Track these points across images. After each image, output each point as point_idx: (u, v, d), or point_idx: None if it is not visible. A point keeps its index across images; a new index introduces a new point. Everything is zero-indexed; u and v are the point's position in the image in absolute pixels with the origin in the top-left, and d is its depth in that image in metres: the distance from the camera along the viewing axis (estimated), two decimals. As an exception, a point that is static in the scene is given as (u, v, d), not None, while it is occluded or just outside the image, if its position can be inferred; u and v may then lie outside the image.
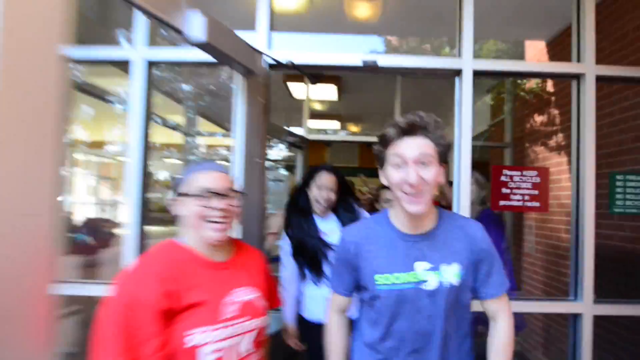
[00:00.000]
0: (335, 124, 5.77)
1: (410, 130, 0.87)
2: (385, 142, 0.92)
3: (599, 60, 1.69)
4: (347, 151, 6.27)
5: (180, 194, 0.91)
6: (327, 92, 4.02)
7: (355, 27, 2.55)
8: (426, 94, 3.61)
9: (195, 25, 1.03)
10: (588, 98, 1.64)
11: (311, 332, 1.60)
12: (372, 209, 2.64)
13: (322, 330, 1.13)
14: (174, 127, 3.11)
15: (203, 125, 3.47)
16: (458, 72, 1.63)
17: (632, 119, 2.10)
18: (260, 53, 1.50)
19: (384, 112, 4.25)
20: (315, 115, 5.06)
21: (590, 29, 1.68)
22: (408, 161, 0.86)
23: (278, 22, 1.69)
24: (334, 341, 1.09)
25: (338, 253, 1.06)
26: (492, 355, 0.98)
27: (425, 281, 0.92)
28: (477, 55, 1.64)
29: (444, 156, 0.91)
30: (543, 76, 2.42)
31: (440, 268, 0.93)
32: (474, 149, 1.60)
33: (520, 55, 3.32)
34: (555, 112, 2.85)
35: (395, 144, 0.89)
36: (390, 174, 0.90)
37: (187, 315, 0.83)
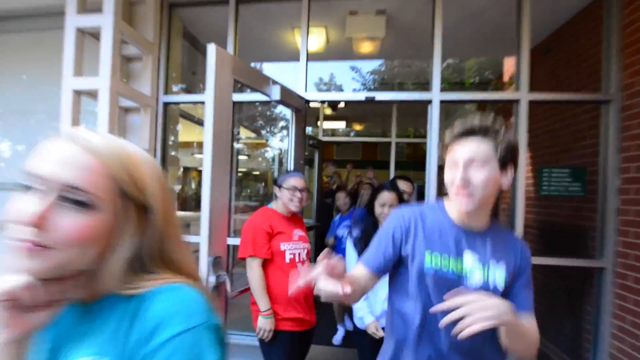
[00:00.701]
0: (342, 124, 6.57)
1: (465, 133, 0.88)
2: (444, 147, 0.94)
3: (538, 88, 2.42)
4: (353, 147, 7.13)
5: (281, 186, 1.75)
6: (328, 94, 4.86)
7: (360, 58, 3.35)
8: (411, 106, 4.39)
9: (275, 91, 1.86)
10: (521, 116, 2.36)
11: (362, 338, 1.74)
12: (354, 198, 3.32)
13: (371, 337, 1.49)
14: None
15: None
16: (430, 101, 2.42)
17: (565, 127, 2.87)
18: (302, 98, 2.33)
19: (383, 113, 5.09)
20: (327, 117, 5.88)
21: (525, 64, 2.38)
22: (459, 163, 0.86)
23: (312, 56, 2.55)
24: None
25: (389, 225, 1.00)
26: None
27: (469, 276, 0.91)
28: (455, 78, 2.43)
29: (505, 159, 0.86)
30: (490, 102, 3.18)
31: (490, 264, 0.91)
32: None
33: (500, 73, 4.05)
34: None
35: (451, 147, 0.90)
36: (446, 174, 0.91)
37: (278, 236, 1.70)
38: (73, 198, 0.44)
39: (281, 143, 5.16)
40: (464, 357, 0.91)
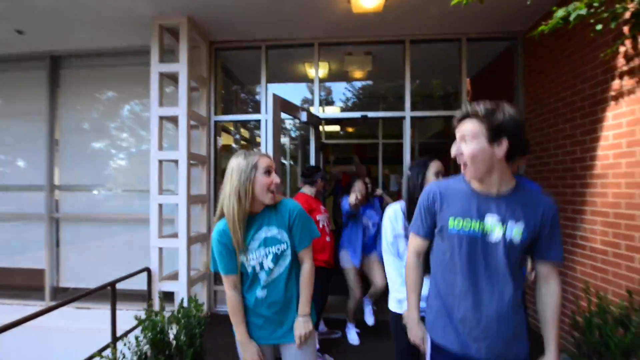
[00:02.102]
0: (336, 127, 7.60)
1: (461, 117, 1.04)
2: (453, 128, 1.08)
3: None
4: (347, 147, 8.18)
5: (314, 180, 2.74)
6: (334, 110, 5.85)
7: (353, 81, 4.40)
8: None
9: (303, 115, 2.87)
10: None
11: (399, 323, 1.52)
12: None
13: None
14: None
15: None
16: (404, 117, 3.48)
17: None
18: (319, 117, 3.34)
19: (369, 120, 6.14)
20: (327, 122, 6.90)
21: (464, 88, 3.49)
22: (457, 138, 1.06)
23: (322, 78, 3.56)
24: (413, 278, 1.22)
25: (422, 201, 1.18)
26: (548, 313, 1.07)
27: (491, 233, 1.02)
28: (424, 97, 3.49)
29: (495, 135, 0.97)
30: (444, 116, 4.21)
31: (508, 223, 1.02)
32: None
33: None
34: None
35: (456, 126, 1.07)
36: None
37: (316, 211, 2.66)
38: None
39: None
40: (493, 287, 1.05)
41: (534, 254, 1.08)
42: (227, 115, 3.81)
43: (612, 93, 2.25)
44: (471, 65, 3.56)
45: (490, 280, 1.04)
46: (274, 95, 2.59)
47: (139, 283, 2.98)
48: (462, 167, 1.06)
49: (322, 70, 3.74)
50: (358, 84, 4.86)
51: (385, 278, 2.04)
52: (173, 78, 3.39)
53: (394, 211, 1.66)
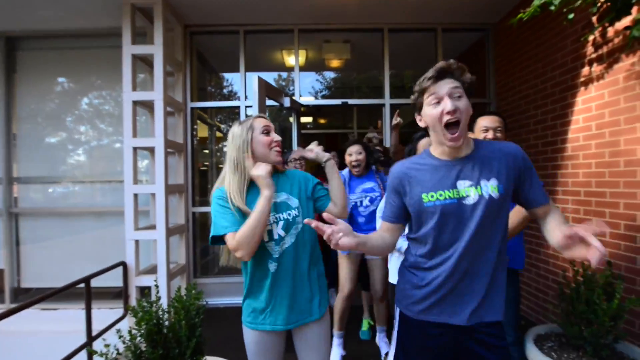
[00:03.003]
0: (309, 119, 7.53)
1: (439, 75, 0.98)
2: (421, 90, 1.02)
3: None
4: (319, 137, 8.16)
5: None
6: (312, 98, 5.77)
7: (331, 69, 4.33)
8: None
9: (287, 101, 2.77)
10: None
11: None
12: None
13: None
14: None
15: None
16: (383, 105, 3.47)
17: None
18: (301, 104, 3.24)
19: (343, 110, 6.12)
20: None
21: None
22: (443, 96, 0.97)
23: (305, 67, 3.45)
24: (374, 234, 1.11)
25: (389, 184, 1.13)
26: (554, 227, 0.98)
27: (467, 196, 0.98)
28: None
29: (470, 92, 1.00)
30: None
31: (481, 183, 0.98)
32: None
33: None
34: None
35: (429, 89, 0.99)
36: (430, 112, 1.00)
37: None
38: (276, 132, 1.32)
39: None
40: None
41: (523, 205, 1.05)
42: (204, 101, 3.59)
43: (582, 79, 2.36)
44: (446, 55, 3.60)
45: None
46: (259, 79, 2.47)
47: (111, 279, 2.75)
48: (447, 132, 0.97)
49: (301, 57, 3.63)
50: (335, 73, 4.79)
51: (384, 282, 2.11)
52: (147, 62, 3.14)
53: None
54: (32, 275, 3.50)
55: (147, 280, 2.80)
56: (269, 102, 2.79)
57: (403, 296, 1.11)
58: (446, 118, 0.96)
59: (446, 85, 0.97)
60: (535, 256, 2.84)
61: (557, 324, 1.90)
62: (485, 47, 3.55)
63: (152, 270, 2.97)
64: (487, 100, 3.51)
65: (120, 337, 1.28)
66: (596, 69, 2.26)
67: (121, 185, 3.35)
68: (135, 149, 2.85)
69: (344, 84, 5.07)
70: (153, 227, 2.92)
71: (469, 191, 0.98)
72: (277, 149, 1.21)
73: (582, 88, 2.36)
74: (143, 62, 3.11)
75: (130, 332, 1.30)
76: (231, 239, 1.09)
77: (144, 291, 2.96)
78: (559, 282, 2.18)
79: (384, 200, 1.26)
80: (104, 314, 2.95)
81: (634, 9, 1.70)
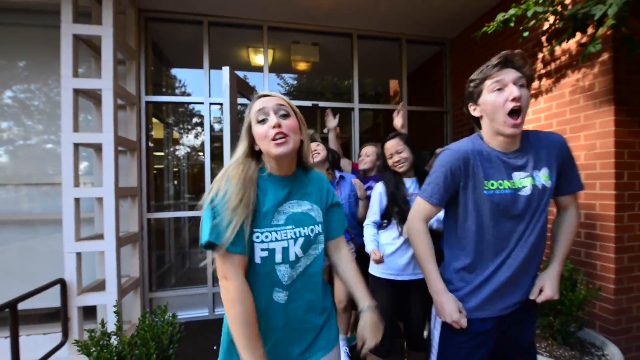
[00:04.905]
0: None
1: (505, 63, 0.96)
2: (484, 77, 0.98)
3: (412, 102, 3.65)
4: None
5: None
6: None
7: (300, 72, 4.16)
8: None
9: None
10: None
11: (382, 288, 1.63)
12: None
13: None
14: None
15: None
16: (352, 109, 3.42)
17: (425, 126, 4.24)
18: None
19: (315, 111, 5.99)
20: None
21: (405, 85, 3.61)
22: (508, 84, 0.94)
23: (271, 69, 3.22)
24: (426, 242, 1.07)
25: (446, 163, 1.03)
26: (562, 235, 1.05)
27: (523, 187, 0.98)
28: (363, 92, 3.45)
29: (529, 84, 0.99)
30: (384, 110, 4.38)
31: (534, 174, 0.99)
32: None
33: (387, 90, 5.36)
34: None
35: (493, 75, 0.97)
36: (492, 99, 0.97)
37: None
38: (283, 112, 0.89)
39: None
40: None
41: (558, 190, 1.06)
42: (161, 95, 3.15)
43: (532, 92, 2.55)
44: (408, 65, 3.70)
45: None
46: (230, 70, 2.21)
47: (44, 300, 2.22)
48: (509, 119, 0.95)
49: (269, 57, 3.42)
50: (302, 76, 4.64)
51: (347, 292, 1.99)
52: (92, 46, 2.64)
53: (378, 193, 1.75)
54: None
55: (92, 299, 2.32)
56: (239, 100, 2.53)
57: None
58: (511, 105, 0.94)
59: (511, 73, 0.96)
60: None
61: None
62: (443, 60, 3.71)
63: (98, 286, 2.48)
64: (444, 109, 3.66)
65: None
66: (545, 83, 2.46)
67: (53, 189, 2.78)
68: (76, 145, 2.35)
69: (306, 89, 4.95)
70: (100, 236, 2.44)
71: (525, 182, 0.99)
72: (280, 138, 0.86)
73: (533, 100, 2.55)
74: (87, 46, 2.61)
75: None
76: (227, 260, 0.79)
77: (89, 312, 2.45)
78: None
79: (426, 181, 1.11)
80: (35, 341, 2.37)
81: (590, 28, 1.85)
